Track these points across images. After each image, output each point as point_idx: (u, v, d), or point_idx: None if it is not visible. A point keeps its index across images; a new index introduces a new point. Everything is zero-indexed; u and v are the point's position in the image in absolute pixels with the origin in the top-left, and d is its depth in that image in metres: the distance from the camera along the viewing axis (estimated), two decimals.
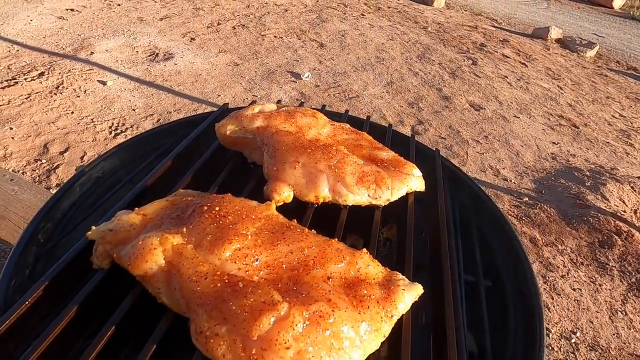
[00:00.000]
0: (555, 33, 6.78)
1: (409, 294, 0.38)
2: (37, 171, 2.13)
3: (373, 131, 0.70)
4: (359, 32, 5.28)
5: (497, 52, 5.62)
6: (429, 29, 6.10)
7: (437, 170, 0.62)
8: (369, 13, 6.30)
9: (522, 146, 3.29)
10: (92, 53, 3.50)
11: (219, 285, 0.29)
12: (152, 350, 0.30)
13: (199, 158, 0.51)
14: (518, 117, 3.78)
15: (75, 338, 0.33)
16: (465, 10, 7.97)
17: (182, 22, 4.54)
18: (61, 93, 2.86)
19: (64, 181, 2.09)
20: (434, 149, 0.72)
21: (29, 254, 0.42)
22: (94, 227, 0.39)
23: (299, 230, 0.37)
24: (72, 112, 2.67)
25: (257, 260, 0.31)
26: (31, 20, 3.89)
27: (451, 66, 4.76)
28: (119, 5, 4.67)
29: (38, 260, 0.43)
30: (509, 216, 2.46)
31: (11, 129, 2.42)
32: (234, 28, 4.70)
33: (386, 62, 4.51)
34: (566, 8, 10.42)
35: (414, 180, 0.52)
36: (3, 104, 2.62)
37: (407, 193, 0.53)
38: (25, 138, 2.37)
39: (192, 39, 4.16)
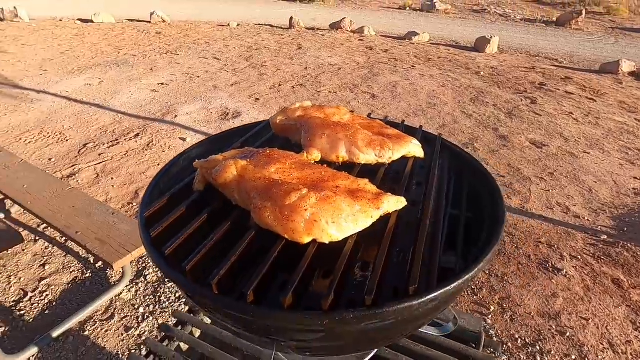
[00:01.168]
0: (627, 66, 6.36)
1: (394, 199, 0.53)
2: (128, 213, 2.51)
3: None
4: (409, 82, 5.51)
5: (559, 89, 5.41)
6: (482, 73, 6.13)
7: (437, 143, 0.77)
8: (419, 64, 6.57)
9: (595, 182, 3.04)
10: (175, 116, 4.13)
11: (266, 183, 0.50)
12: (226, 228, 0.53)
13: (257, 139, 0.77)
14: (588, 153, 3.53)
15: (186, 221, 0.55)
16: (521, 53, 7.90)
17: (248, 86, 5.19)
18: (151, 149, 3.39)
19: None
20: (438, 133, 0.82)
21: (154, 192, 0.59)
22: (198, 162, 0.63)
23: (320, 166, 0.57)
24: (159, 164, 3.14)
25: (290, 175, 0.51)
26: (132, 94, 4.76)
27: (507, 106, 4.68)
28: (198, 77, 5.52)
29: (162, 193, 0.65)
30: (584, 255, 2.24)
31: (112, 179, 2.91)
32: (293, 87, 5.22)
33: (438, 107, 4.60)
34: (638, 42, 9.77)
35: (412, 146, 0.64)
36: (107, 160, 3.18)
37: (408, 157, 0.63)
38: (122, 186, 2.82)
39: (257, 99, 4.71)
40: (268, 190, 0.48)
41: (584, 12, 12.37)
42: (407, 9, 15.04)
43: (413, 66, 6.42)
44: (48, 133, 3.65)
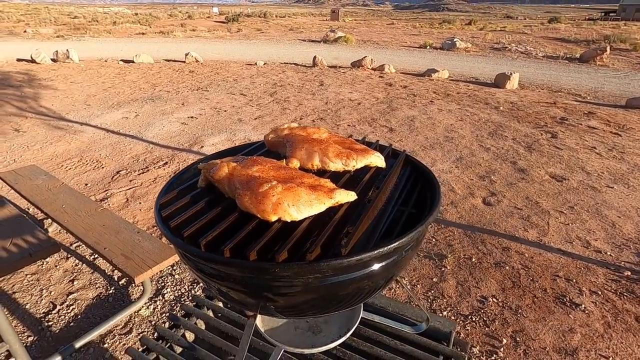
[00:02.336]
0: None
1: (345, 192, 0.66)
2: (153, 234, 2.66)
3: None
4: (427, 117, 5.62)
5: (581, 124, 5.36)
6: (501, 108, 6.18)
7: (400, 156, 0.91)
8: (438, 99, 6.72)
9: (619, 217, 2.95)
10: (202, 147, 4.40)
11: (248, 177, 0.65)
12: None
13: (253, 153, 0.94)
14: (612, 187, 3.44)
15: (189, 207, 0.72)
16: (542, 89, 7.92)
17: (271, 119, 5.47)
18: None
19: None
20: (403, 150, 0.93)
21: (169, 189, 0.72)
22: (201, 164, 0.80)
23: (292, 169, 0.72)
24: None
25: (268, 173, 0.65)
26: (164, 126, 5.13)
27: (526, 140, 4.67)
28: (225, 111, 5.88)
29: (174, 189, 0.80)
30: (605, 290, 2.15)
31: (140, 203, 3.11)
32: (314, 121, 5.45)
33: (455, 140, 4.66)
34: None
35: (373, 158, 0.77)
36: (137, 186, 3.41)
37: (371, 167, 0.73)
38: (148, 210, 3.01)
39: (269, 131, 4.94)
40: (248, 182, 0.63)
41: (608, 48, 12.32)
42: (428, 47, 15.52)
43: (431, 101, 6.57)
44: (87, 161, 3.97)
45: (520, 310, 2.01)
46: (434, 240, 2.65)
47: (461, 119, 5.51)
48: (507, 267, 2.36)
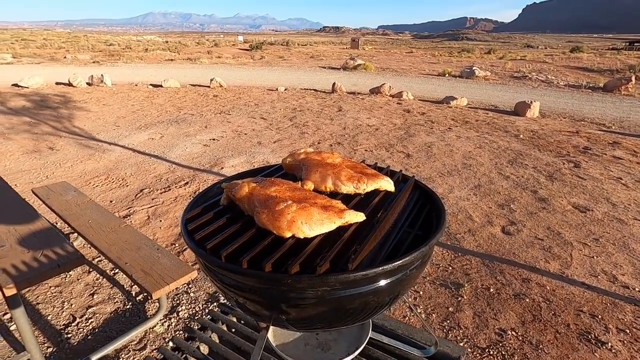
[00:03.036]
0: None
1: (355, 213, 0.70)
2: (171, 252, 2.72)
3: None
4: (445, 143, 5.62)
5: (605, 154, 5.23)
6: (521, 136, 6.12)
7: (410, 181, 0.95)
8: (456, 126, 6.72)
9: None
10: (222, 168, 4.53)
11: (266, 197, 0.70)
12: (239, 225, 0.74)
13: (271, 174, 0.99)
14: None
15: (212, 222, 0.77)
16: (564, 118, 7.81)
17: (290, 143, 5.59)
18: None
19: (189, 262, 2.60)
20: (412, 175, 0.96)
21: (195, 206, 0.77)
22: (224, 184, 0.86)
23: (307, 190, 0.72)
24: None
25: (284, 194, 0.68)
26: (186, 147, 5.33)
27: (548, 169, 4.59)
28: (245, 134, 6.07)
29: (198, 206, 0.85)
30: (634, 329, 2.04)
31: (160, 221, 3.21)
32: (331, 145, 5.54)
33: (473, 167, 4.62)
34: None
35: (383, 182, 0.78)
36: (158, 204, 3.53)
37: (381, 190, 0.75)
38: (168, 228, 3.10)
39: (287, 155, 5.04)
40: (266, 201, 0.68)
41: (634, 78, 12.12)
42: (447, 75, 15.68)
43: (449, 128, 6.58)
44: (113, 178, 4.15)
45: (541, 346, 1.92)
46: (450, 268, 2.60)
47: (480, 147, 5.48)
48: (528, 300, 2.27)
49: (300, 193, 0.71)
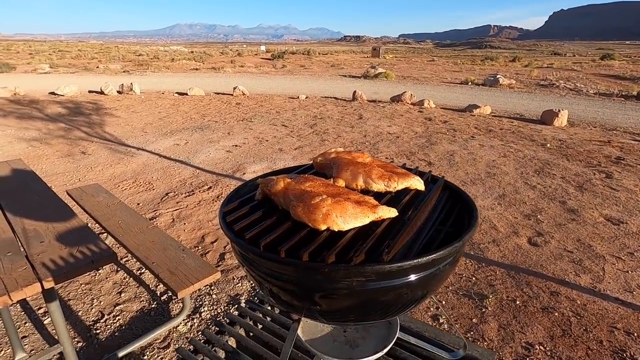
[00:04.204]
0: None
1: (387, 208, 0.71)
2: (196, 253, 2.79)
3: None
4: (467, 152, 5.52)
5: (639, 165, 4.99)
6: (548, 145, 5.94)
7: (439, 181, 0.96)
8: (479, 135, 6.59)
9: None
10: (244, 173, 4.61)
11: (301, 191, 0.72)
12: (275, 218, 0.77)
13: (304, 172, 1.03)
14: None
15: (249, 215, 0.82)
16: (594, 127, 7.53)
17: (310, 150, 5.64)
18: (219, 200, 3.80)
19: (211, 262, 2.65)
20: (442, 176, 0.95)
21: (231, 200, 0.80)
22: (260, 179, 0.90)
23: (340, 186, 0.73)
24: None
25: (318, 189, 0.70)
26: (210, 153, 5.46)
27: (577, 179, 4.42)
28: (267, 141, 6.16)
29: (234, 200, 0.89)
30: None
31: (184, 224, 3.29)
32: None
33: (497, 176, 4.51)
34: None
35: (413, 181, 0.77)
36: (183, 207, 3.63)
37: (411, 189, 0.76)
38: (191, 230, 3.18)
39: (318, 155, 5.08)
40: (301, 195, 0.71)
41: None
42: (469, 83, 15.44)
43: (472, 137, 6.47)
44: (140, 182, 4.30)
45: None
46: (473, 278, 2.54)
47: (504, 155, 5.35)
48: (556, 313, 2.19)
49: (334, 189, 0.73)
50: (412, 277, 0.56)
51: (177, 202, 3.74)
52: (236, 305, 2.19)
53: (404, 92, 10.16)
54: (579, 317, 2.15)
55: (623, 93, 12.23)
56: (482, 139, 6.33)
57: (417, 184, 0.85)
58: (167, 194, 3.96)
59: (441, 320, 2.13)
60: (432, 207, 0.82)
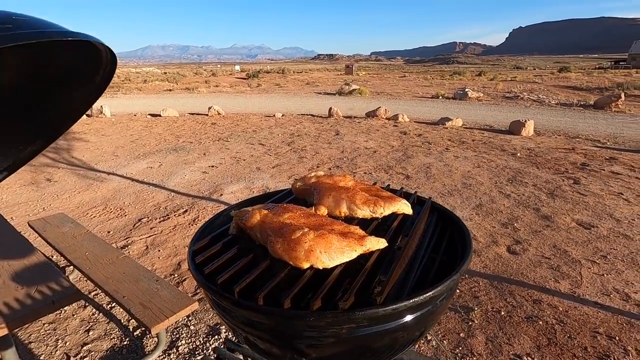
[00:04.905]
0: None
1: (376, 240, 0.66)
2: (171, 282, 2.64)
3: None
4: (443, 164, 5.64)
5: (603, 170, 5.24)
6: (518, 154, 6.16)
7: (427, 203, 0.90)
8: (453, 147, 6.77)
9: None
10: (221, 195, 4.50)
11: (280, 224, 0.65)
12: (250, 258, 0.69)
13: (281, 200, 0.95)
14: None
15: (222, 254, 0.72)
16: (559, 135, 7.91)
17: (289, 168, 5.60)
18: (196, 224, 3.67)
19: (189, 293, 2.51)
20: (429, 197, 0.93)
21: (202, 234, 0.72)
22: (233, 211, 0.81)
23: (322, 216, 0.68)
24: None
25: (299, 220, 0.64)
26: (185, 175, 5.31)
27: (548, 186, 4.58)
28: (244, 160, 6.08)
29: (206, 236, 0.80)
30: None
31: (159, 251, 3.14)
32: (330, 169, 5.54)
33: (473, 187, 4.61)
34: None
35: (400, 205, 0.73)
36: (157, 233, 3.47)
37: (399, 214, 0.71)
38: (166, 257, 3.02)
39: (296, 179, 5.03)
40: (280, 229, 0.64)
41: (623, 95, 12.40)
42: (440, 97, 15.99)
43: (447, 148, 6.63)
44: (111, 209, 4.09)
45: None
46: (458, 291, 2.52)
47: (478, 166, 5.50)
48: (541, 322, 2.19)
49: (316, 219, 0.67)
50: (408, 318, 0.51)
51: (151, 228, 3.57)
52: (211, 348, 2.07)
53: (378, 108, 10.37)
54: (562, 325, 2.17)
55: (581, 103, 13.00)
56: (456, 150, 6.50)
57: (405, 208, 0.82)
58: (140, 219, 3.79)
59: (429, 338, 2.09)
60: (422, 232, 0.78)
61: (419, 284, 0.60)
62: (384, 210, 0.78)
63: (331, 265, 0.59)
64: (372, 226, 0.75)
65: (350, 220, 0.77)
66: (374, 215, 0.78)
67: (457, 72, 34.48)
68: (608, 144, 7.08)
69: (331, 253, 0.59)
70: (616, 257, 2.93)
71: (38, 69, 0.93)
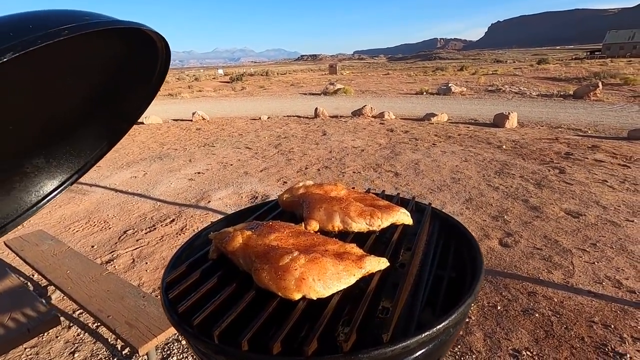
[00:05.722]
0: None
1: (376, 260, 0.58)
2: (159, 297, 2.55)
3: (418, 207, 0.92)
4: (431, 159, 5.65)
5: (587, 158, 5.33)
6: (504, 147, 6.22)
7: (427, 210, 0.83)
8: (440, 142, 6.80)
9: None
10: (209, 201, 4.40)
11: (266, 248, 0.58)
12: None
13: (267, 214, 0.85)
14: (632, 221, 3.31)
15: (200, 284, 0.64)
16: (542, 126, 8.03)
17: (277, 171, 5.52)
18: (184, 234, 3.57)
19: None
20: (428, 203, 0.87)
21: (178, 260, 0.65)
22: (212, 233, 0.72)
23: (313, 234, 0.62)
24: None
25: (287, 241, 0.58)
26: (171, 183, 5.19)
27: (535, 177, 4.63)
28: (231, 165, 5.98)
29: (183, 262, 0.72)
30: None
31: (146, 263, 3.03)
32: (319, 170, 5.49)
33: (462, 181, 4.62)
34: None
35: (400, 215, 0.67)
36: (144, 245, 3.36)
37: (398, 224, 0.66)
38: (154, 270, 2.93)
39: (285, 182, 4.96)
40: (266, 254, 0.56)
41: (600, 84, 12.70)
42: (424, 93, 16.12)
43: (434, 144, 6.65)
44: (94, 222, 3.96)
45: None
46: None
47: (466, 160, 5.52)
48: (537, 315, 2.19)
49: (306, 238, 0.60)
50: (419, 353, 0.44)
51: (137, 240, 3.46)
52: None
53: (364, 106, 10.37)
54: (558, 316, 2.16)
55: (561, 93, 13.27)
56: (443, 145, 6.52)
57: (404, 218, 0.75)
58: (125, 232, 3.66)
59: None
60: (425, 244, 0.71)
61: (427, 307, 0.54)
62: (382, 222, 0.71)
63: (327, 295, 0.52)
64: (370, 241, 0.68)
65: (344, 235, 0.70)
66: (371, 228, 0.71)
67: (440, 68, 34.86)
68: (589, 132, 7.22)
69: (326, 280, 0.51)
70: (605, 244, 2.96)
71: (99, 68, 0.84)
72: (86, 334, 2.22)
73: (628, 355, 1.85)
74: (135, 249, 3.29)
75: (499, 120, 8.14)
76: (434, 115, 9.14)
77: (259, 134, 8.55)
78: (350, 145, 6.91)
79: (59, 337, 2.20)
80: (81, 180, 5.53)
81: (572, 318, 2.14)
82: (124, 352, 2.05)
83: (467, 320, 2.17)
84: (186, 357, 2.01)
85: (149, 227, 3.73)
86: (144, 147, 7.78)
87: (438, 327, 0.40)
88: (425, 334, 0.39)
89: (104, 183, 5.36)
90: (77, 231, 3.75)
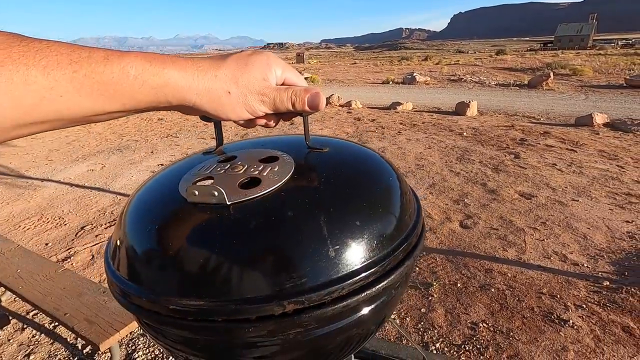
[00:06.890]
0: (600, 118, 6.77)
1: None
2: None
3: None
4: (397, 147, 5.79)
5: (539, 143, 5.69)
6: (465, 134, 6.49)
7: None
8: (405, 130, 6.98)
9: (588, 228, 3.05)
10: None
11: None
12: None
13: None
14: (577, 200, 3.59)
15: None
16: (499, 114, 8.43)
17: None
18: None
19: None
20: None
21: None
22: None
23: None
24: None
25: None
26: (132, 176, 4.96)
27: (493, 162, 4.88)
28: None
29: None
30: (589, 303, 2.16)
31: None
32: None
33: (426, 167, 4.79)
34: (608, 96, 10.53)
35: None
36: (104, 240, 3.21)
37: None
38: None
39: None
40: None
41: (551, 74, 13.47)
42: (390, 83, 16.39)
43: (399, 132, 6.81)
44: (47, 218, 3.72)
45: (511, 333, 1.97)
46: (417, 269, 2.61)
47: (429, 147, 5.71)
48: (493, 289, 2.34)
49: None
50: (363, 312, 0.42)
51: (97, 236, 3.31)
52: None
53: (331, 95, 10.38)
54: (511, 290, 2.33)
55: (517, 83, 13.97)
56: (408, 133, 6.70)
57: None
58: (83, 227, 3.48)
59: (393, 316, 2.15)
60: None
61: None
62: None
63: None
64: None
65: None
66: None
67: (405, 58, 35.49)
68: (542, 119, 7.68)
69: None
70: (554, 222, 3.19)
71: None
72: (42, 334, 2.11)
73: (571, 321, 2.02)
74: (95, 244, 3.14)
75: (461, 109, 8.45)
76: (399, 104, 9.33)
77: (225, 123, 8.34)
78: (317, 134, 6.90)
79: (11, 340, 2.07)
80: (31, 174, 5.17)
81: (524, 291, 2.31)
82: (84, 351, 1.98)
83: (428, 298, 2.28)
84: (152, 351, 1.97)
85: (109, 222, 3.57)
86: (101, 138, 7.37)
87: (377, 286, 0.40)
88: (365, 293, 0.39)
89: (58, 177, 5.04)
90: (28, 229, 3.51)
